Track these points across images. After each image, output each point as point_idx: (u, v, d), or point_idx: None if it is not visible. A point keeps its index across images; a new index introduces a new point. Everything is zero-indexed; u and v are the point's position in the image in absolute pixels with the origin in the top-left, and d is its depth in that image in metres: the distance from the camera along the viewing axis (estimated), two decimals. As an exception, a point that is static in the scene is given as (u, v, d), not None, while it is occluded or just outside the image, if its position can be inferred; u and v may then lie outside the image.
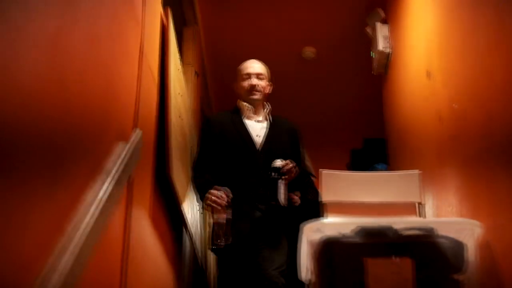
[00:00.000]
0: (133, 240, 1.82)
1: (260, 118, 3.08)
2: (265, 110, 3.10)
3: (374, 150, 5.04)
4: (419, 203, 2.86)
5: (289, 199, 2.80)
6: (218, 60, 5.48)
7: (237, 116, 3.07)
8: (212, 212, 2.71)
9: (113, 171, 1.49)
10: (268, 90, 3.16)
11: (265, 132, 3.01)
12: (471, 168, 2.37)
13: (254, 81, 3.07)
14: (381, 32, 4.44)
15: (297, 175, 2.81)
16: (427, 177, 2.99)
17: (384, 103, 4.77)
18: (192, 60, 4.24)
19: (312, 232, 2.05)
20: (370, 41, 4.71)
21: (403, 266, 1.95)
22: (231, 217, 2.66)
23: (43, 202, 1.05)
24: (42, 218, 1.04)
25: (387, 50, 4.39)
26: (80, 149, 1.29)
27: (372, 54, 4.69)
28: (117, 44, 1.68)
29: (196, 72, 4.31)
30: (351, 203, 2.92)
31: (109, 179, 1.43)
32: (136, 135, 1.82)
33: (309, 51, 5.50)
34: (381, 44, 4.41)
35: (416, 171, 2.94)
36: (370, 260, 1.96)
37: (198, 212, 3.40)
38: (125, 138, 1.73)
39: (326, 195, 2.91)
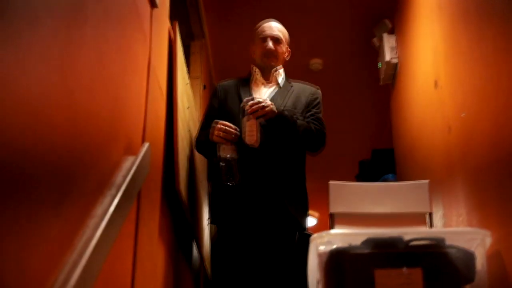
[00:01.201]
0: (143, 254, 1.82)
1: (270, 82, 2.86)
2: (274, 72, 2.87)
3: (382, 160, 5.02)
4: (429, 213, 2.85)
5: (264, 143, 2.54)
6: (226, 72, 5.48)
7: (245, 81, 2.88)
8: (220, 147, 2.49)
9: (123, 186, 1.49)
10: (286, 56, 2.95)
11: (269, 95, 2.78)
12: (480, 177, 2.36)
13: (271, 45, 2.84)
14: (388, 43, 4.45)
15: (274, 117, 2.55)
16: (436, 187, 2.98)
17: (392, 113, 4.77)
18: (200, 73, 4.27)
19: (321, 243, 2.05)
20: (377, 52, 4.72)
21: (413, 277, 1.94)
22: (238, 156, 2.48)
23: (52, 217, 1.05)
24: (51, 233, 1.05)
25: (394, 61, 4.39)
26: (89, 164, 1.30)
27: (379, 64, 4.69)
28: (125, 58, 1.69)
29: (204, 85, 4.34)
30: (360, 214, 2.91)
31: (118, 194, 1.44)
32: (144, 149, 1.82)
33: (316, 63, 5.51)
34: (388, 55, 4.41)
35: (425, 181, 2.94)
36: (380, 271, 1.96)
37: (207, 224, 3.40)
38: (134, 152, 1.74)
39: (335, 207, 2.91)
